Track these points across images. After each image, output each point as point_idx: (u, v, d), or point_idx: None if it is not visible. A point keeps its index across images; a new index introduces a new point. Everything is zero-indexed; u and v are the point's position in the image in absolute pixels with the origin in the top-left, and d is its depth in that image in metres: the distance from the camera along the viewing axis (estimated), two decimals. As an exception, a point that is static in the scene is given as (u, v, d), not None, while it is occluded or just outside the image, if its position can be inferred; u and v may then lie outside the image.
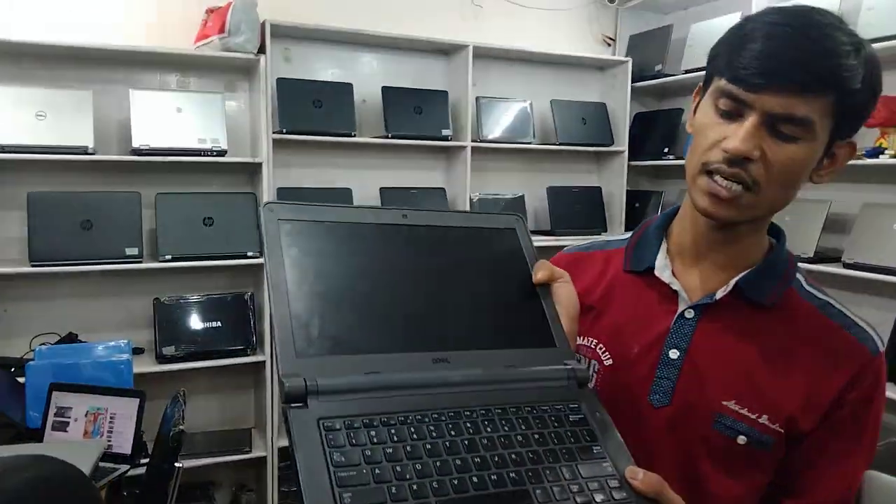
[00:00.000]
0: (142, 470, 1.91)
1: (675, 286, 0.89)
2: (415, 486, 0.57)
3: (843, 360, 0.84)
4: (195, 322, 2.77)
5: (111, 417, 1.94)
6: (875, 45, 0.84)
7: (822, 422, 0.83)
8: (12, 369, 2.37)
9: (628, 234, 1.00)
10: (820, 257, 2.67)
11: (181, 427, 1.82)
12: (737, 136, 0.76)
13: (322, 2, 3.07)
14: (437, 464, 0.59)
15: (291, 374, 0.61)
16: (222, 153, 2.74)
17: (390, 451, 0.59)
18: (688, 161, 0.84)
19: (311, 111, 2.94)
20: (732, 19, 3.02)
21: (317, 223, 0.72)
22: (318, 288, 0.67)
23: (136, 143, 2.61)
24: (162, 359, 2.65)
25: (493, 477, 0.60)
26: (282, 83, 2.90)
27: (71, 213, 2.54)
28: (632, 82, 3.51)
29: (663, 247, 0.93)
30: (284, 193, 2.92)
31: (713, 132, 0.79)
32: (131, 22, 2.77)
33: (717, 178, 0.78)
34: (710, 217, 0.82)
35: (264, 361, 2.82)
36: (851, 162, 2.43)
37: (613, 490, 0.62)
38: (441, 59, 3.34)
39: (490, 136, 3.29)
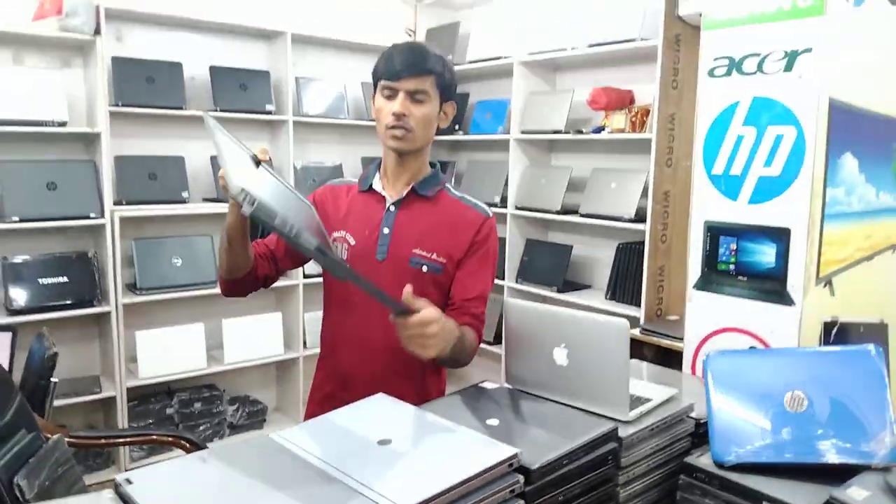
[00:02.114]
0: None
1: (384, 193, 1.58)
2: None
3: (470, 221, 1.56)
4: (42, 278, 3.05)
5: (-18, 350, 2.26)
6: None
7: (466, 254, 1.55)
8: None
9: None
10: (565, 210, 3.52)
11: (54, 350, 2.20)
12: (396, 104, 1.45)
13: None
14: None
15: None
16: (62, 124, 3.03)
17: None
18: (378, 127, 1.52)
19: (144, 87, 3.30)
20: (504, 20, 3.79)
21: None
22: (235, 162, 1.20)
23: (-25, 114, 2.84)
24: (12, 311, 2.92)
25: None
26: (116, 61, 3.23)
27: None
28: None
29: (378, 176, 1.60)
30: (121, 161, 3.26)
31: (385, 107, 1.48)
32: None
33: (393, 130, 1.48)
34: (396, 151, 1.51)
35: (109, 312, 3.17)
36: (584, 137, 3.30)
37: None
38: (264, 43, 3.81)
39: (310, 112, 3.82)
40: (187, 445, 1.80)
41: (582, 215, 3.41)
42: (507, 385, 1.34)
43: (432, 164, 1.62)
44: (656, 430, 1.18)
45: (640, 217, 3.14)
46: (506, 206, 3.79)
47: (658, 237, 3.06)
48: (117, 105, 3.20)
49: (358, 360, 1.56)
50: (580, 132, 3.47)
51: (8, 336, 2.27)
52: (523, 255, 3.79)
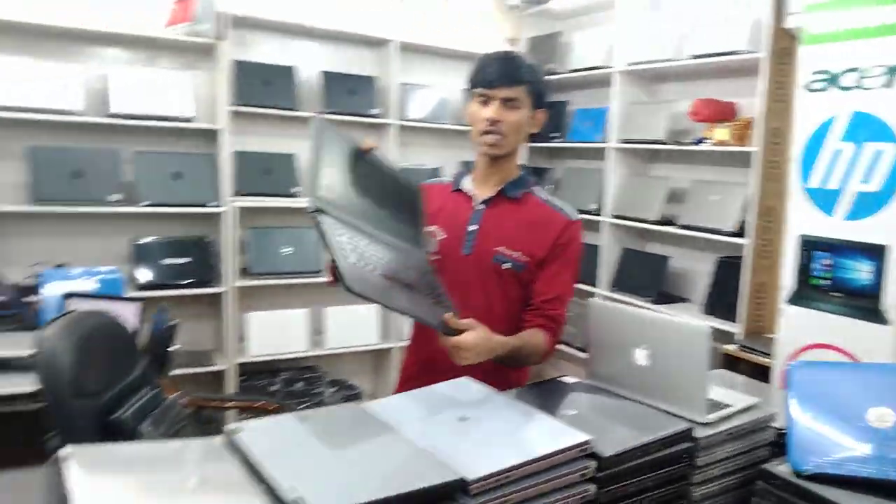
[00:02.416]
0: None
1: (472, 193, 1.66)
2: (374, 263, 1.23)
3: (554, 223, 1.61)
4: (166, 258, 3.34)
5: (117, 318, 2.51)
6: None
7: (548, 255, 1.60)
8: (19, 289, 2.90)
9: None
10: (663, 221, 3.48)
11: (174, 322, 2.42)
12: (490, 110, 1.54)
13: (275, -3, 3.66)
14: (381, 262, 1.25)
15: (319, 195, 1.23)
16: (189, 120, 3.31)
17: (363, 249, 1.23)
18: (472, 132, 1.61)
19: (261, 88, 3.54)
20: (606, 31, 3.80)
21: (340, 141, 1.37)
22: (330, 163, 1.31)
23: (113, 109, 3.15)
24: (139, 286, 3.22)
25: (401, 275, 1.28)
26: (237, 64, 3.49)
27: (64, 164, 3.07)
28: (532, 76, 4.23)
29: (468, 177, 1.69)
30: (239, 156, 3.52)
31: (479, 113, 1.56)
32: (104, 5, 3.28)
33: (487, 135, 1.56)
34: (488, 154, 1.60)
35: (223, 293, 3.42)
36: (685, 147, 3.27)
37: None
38: (372, 49, 3.99)
39: (413, 117, 3.96)
40: (288, 416, 1.94)
41: (680, 226, 3.37)
42: (587, 381, 1.39)
43: (521, 168, 1.69)
44: (734, 435, 1.20)
45: (740, 231, 3.07)
46: (602, 214, 3.79)
47: (759, 253, 2.99)
48: (237, 104, 3.46)
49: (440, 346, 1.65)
50: (680, 143, 3.43)
51: (137, 306, 2.50)
52: (619, 263, 3.77)
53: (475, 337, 1.35)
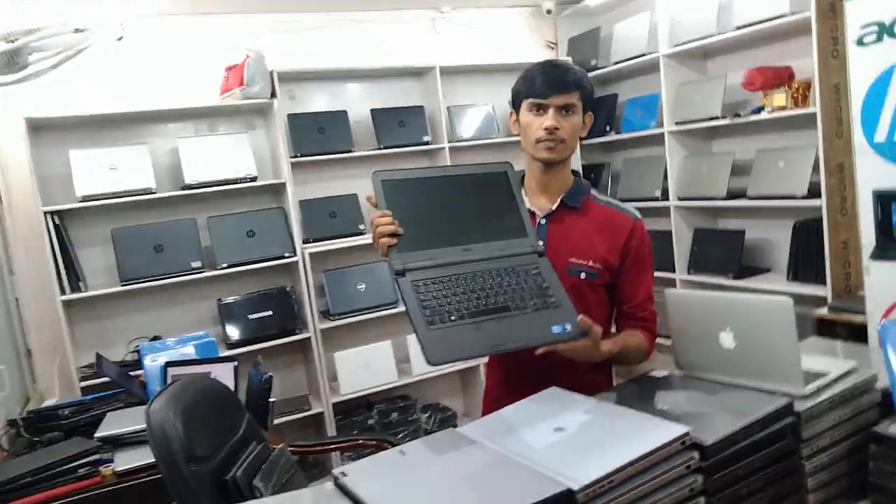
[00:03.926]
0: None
1: (533, 208, 1.63)
2: (457, 306, 1.27)
3: (620, 226, 1.60)
4: (251, 314, 3.48)
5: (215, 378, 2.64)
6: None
7: (622, 260, 1.59)
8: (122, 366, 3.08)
9: None
10: (732, 195, 3.40)
11: (270, 374, 2.52)
12: (548, 118, 1.53)
13: (314, 48, 3.79)
14: (466, 296, 1.29)
15: (397, 262, 1.29)
16: (254, 179, 3.46)
17: (445, 292, 1.28)
18: (526, 141, 1.59)
19: (316, 136, 3.67)
20: (645, 17, 3.77)
21: (400, 180, 1.41)
22: (403, 215, 1.35)
23: (187, 180, 3.33)
24: (230, 345, 3.37)
25: (492, 301, 1.30)
26: (291, 117, 3.63)
27: (145, 241, 3.26)
28: (574, 76, 4.22)
29: (522, 191, 1.64)
30: (305, 205, 3.65)
31: (535, 122, 1.55)
32: (162, 84, 3.48)
33: (546, 142, 1.55)
34: (547, 162, 1.58)
35: (309, 338, 3.54)
36: (743, 120, 3.20)
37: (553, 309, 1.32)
38: (415, 79, 4.07)
39: (463, 136, 4.02)
40: (390, 447, 1.99)
41: (751, 198, 3.28)
42: (676, 372, 1.38)
43: (574, 174, 1.69)
44: (837, 402, 1.17)
45: (814, 192, 2.97)
46: (668, 199, 3.73)
47: (837, 210, 2.88)
48: (296, 156, 3.59)
49: (521, 359, 1.66)
50: (738, 115, 3.35)
51: (231, 366, 2.62)
52: (692, 245, 3.70)
53: (596, 333, 1.39)
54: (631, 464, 0.97)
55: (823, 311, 2.79)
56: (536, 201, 1.65)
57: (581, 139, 1.65)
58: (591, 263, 1.58)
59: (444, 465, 1.08)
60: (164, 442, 1.48)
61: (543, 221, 1.63)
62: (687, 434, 1.02)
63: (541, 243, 1.47)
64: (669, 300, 1.38)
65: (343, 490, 1.05)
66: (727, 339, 1.27)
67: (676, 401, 1.24)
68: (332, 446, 2.04)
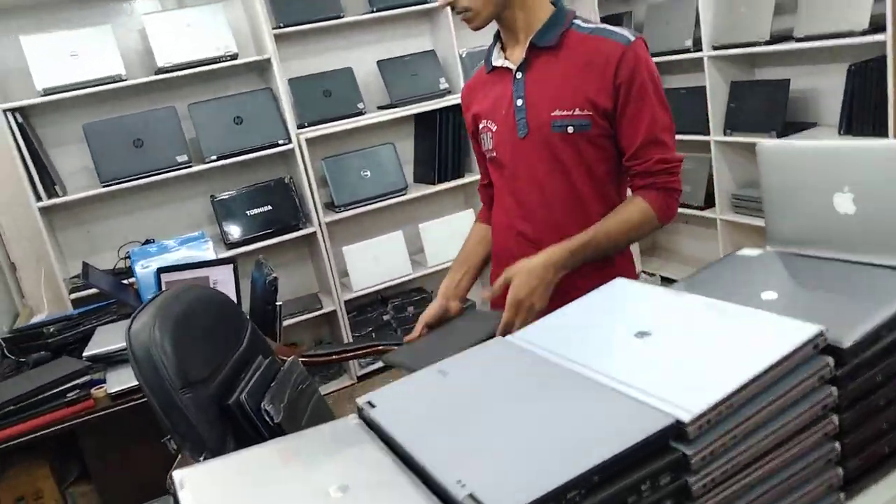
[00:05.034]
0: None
1: (506, 63, 1.38)
2: None
3: (606, 57, 1.28)
4: (249, 210, 3.20)
5: (214, 284, 2.40)
6: None
7: (615, 99, 1.29)
8: (115, 274, 2.85)
9: None
10: (776, 38, 2.99)
11: (274, 275, 2.28)
12: None
13: None
14: None
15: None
16: (234, 56, 3.07)
17: None
18: None
19: (301, 2, 3.22)
20: None
21: None
22: None
23: (160, 63, 2.94)
24: (229, 245, 3.11)
25: None
26: (268, -17, 3.17)
27: (122, 136, 2.93)
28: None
29: (497, 48, 1.41)
30: (294, 83, 3.26)
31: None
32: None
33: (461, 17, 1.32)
34: (476, 30, 1.34)
35: (314, 233, 3.27)
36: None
37: None
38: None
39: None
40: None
41: (798, 39, 2.88)
42: (771, 249, 1.10)
43: (554, 3, 1.37)
44: None
45: (876, 26, 2.57)
46: (701, 49, 3.31)
47: (905, 47, 2.50)
48: (279, 27, 3.17)
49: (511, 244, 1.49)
50: (784, -60, 2.88)
51: (230, 268, 2.38)
52: (729, 101, 3.32)
53: (520, 281, 1.23)
54: (752, 381, 0.71)
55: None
56: (512, 54, 1.41)
57: None
58: (577, 112, 1.30)
59: (499, 392, 0.82)
60: (151, 367, 1.24)
61: (519, 76, 1.36)
62: (822, 334, 0.75)
63: (520, 102, 1.35)
64: (762, 156, 1.08)
65: (371, 425, 0.82)
66: (844, 203, 0.98)
67: (784, 288, 0.97)
68: (348, 355, 1.82)
